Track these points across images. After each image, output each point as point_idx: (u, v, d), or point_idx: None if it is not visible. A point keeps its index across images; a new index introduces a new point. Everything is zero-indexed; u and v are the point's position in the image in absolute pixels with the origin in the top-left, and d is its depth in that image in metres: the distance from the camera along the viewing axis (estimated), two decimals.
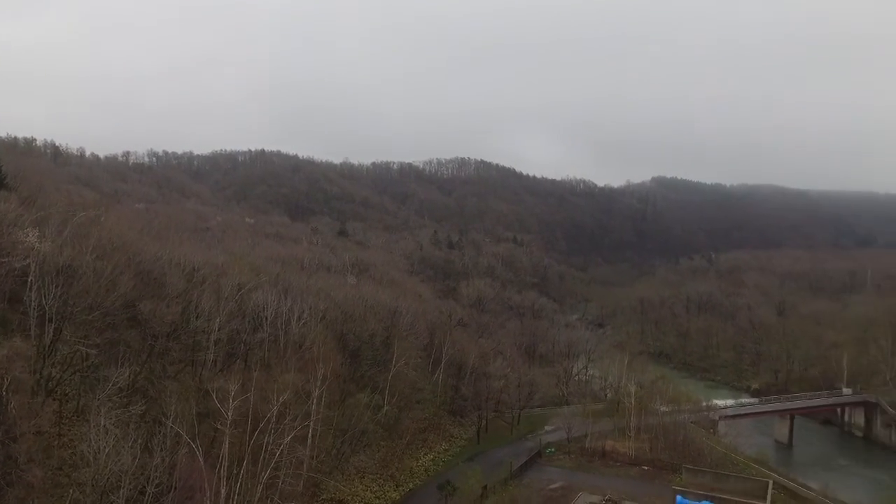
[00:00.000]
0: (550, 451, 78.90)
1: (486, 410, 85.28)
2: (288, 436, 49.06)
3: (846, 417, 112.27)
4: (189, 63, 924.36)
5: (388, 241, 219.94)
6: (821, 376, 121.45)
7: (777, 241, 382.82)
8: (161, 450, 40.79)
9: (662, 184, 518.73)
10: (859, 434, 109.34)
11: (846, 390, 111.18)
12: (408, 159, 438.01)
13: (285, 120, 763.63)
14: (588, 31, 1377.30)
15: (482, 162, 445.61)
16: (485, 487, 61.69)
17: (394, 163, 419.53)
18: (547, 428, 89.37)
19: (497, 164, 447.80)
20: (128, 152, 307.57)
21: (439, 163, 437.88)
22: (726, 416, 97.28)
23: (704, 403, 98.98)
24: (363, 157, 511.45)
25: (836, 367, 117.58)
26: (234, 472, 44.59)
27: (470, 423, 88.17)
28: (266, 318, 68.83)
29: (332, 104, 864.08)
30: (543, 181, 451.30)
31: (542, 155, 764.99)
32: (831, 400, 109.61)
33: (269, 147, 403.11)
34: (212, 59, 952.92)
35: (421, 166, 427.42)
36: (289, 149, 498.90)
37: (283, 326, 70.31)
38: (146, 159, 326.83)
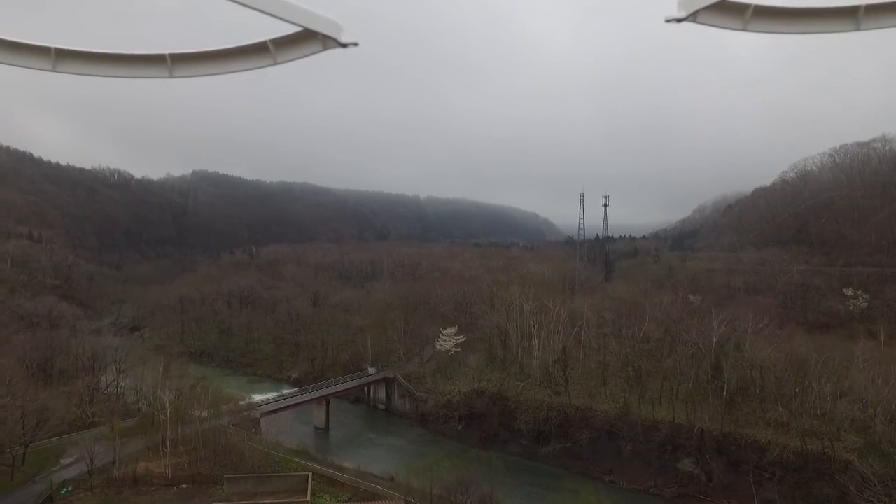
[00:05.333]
0: (66, 492, 66.30)
1: None
2: None
3: (372, 394, 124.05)
4: None
5: None
6: (351, 359, 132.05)
7: (311, 235, 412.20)
8: None
9: (204, 178, 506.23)
10: (382, 407, 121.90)
11: (371, 370, 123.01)
12: None
13: None
14: None
15: None
16: None
17: None
18: (64, 461, 75.28)
19: (8, 147, 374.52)
20: None
21: None
22: (267, 412, 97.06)
23: (245, 402, 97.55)
24: None
25: (362, 349, 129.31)
26: None
27: None
28: None
29: None
30: (70, 169, 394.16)
31: (65, 140, 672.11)
32: (359, 381, 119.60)
33: None
34: None
35: None
36: None
37: None
38: None
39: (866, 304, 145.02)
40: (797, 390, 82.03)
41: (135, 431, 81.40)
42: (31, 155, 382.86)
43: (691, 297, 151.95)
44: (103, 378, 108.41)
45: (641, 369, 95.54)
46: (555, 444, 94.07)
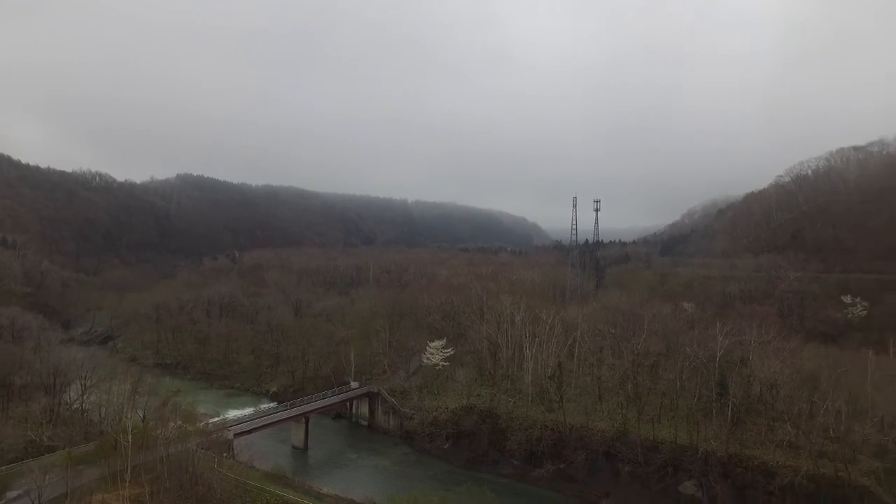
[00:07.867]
0: None
1: None
2: None
3: (354, 409, 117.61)
4: None
5: None
6: (333, 372, 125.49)
7: (297, 239, 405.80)
8: None
9: (188, 181, 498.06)
10: (365, 423, 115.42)
11: (354, 384, 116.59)
12: None
13: None
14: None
15: None
16: None
17: None
18: (11, 494, 68.41)
19: None
20: None
21: None
22: (241, 433, 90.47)
23: (216, 420, 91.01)
24: None
25: (345, 362, 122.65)
26: None
27: None
28: None
29: None
30: (49, 172, 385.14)
31: (52, 144, 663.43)
32: (341, 396, 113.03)
33: None
34: None
35: None
36: None
37: None
38: None
39: (865, 311, 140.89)
40: (808, 408, 76.70)
41: (94, 457, 74.34)
42: (9, 158, 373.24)
43: (686, 305, 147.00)
44: (66, 396, 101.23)
45: (640, 385, 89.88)
46: (548, 466, 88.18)
